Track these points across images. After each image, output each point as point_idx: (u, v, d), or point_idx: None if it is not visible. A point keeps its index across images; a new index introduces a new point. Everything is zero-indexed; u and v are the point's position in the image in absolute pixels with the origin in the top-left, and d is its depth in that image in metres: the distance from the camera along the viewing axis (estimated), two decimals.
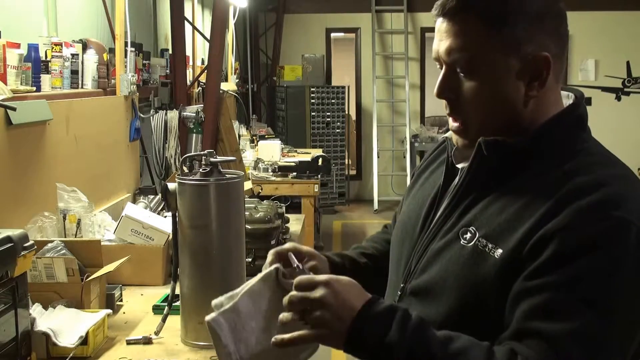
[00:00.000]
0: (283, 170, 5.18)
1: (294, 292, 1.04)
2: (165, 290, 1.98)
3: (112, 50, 3.21)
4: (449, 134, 1.26)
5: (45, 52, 2.51)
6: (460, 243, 1.11)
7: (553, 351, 0.96)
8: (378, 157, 9.00)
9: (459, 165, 1.22)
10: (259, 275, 1.16)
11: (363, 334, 1.01)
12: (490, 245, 1.07)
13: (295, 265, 1.14)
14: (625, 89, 9.28)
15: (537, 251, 1.01)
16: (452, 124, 1.17)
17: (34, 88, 2.36)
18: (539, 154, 1.11)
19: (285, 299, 1.04)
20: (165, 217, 2.51)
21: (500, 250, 1.05)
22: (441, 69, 1.15)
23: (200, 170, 1.73)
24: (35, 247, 1.60)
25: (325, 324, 1.02)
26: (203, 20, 6.38)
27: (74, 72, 2.71)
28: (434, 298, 1.13)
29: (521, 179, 1.11)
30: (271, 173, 5.15)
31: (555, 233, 1.00)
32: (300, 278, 1.05)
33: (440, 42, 1.14)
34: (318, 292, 1.02)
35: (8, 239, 1.47)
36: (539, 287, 0.99)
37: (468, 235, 1.11)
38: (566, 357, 0.95)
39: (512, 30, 1.08)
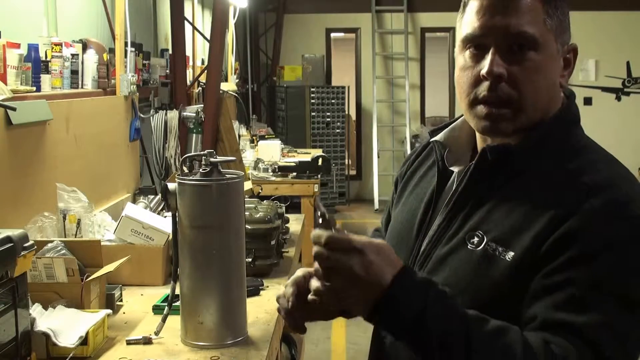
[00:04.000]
0: (283, 170, 5.18)
1: (321, 250, 0.97)
2: (165, 290, 1.98)
3: (112, 50, 3.21)
4: (439, 137, 1.24)
5: (45, 52, 2.51)
6: (467, 248, 1.10)
7: (582, 342, 0.96)
8: (378, 157, 9.00)
9: (454, 169, 1.21)
10: None
11: (393, 309, 0.96)
12: (500, 249, 1.06)
13: (320, 212, 1.02)
14: (626, 89, 9.28)
15: (557, 251, 1.01)
16: (490, 109, 1.10)
17: (34, 88, 2.36)
18: (541, 153, 1.11)
19: (315, 251, 0.98)
20: (165, 217, 2.51)
21: (511, 253, 1.05)
22: (475, 48, 1.11)
23: (200, 170, 1.73)
24: (35, 247, 1.60)
25: (350, 295, 0.97)
26: (203, 20, 6.38)
27: (74, 72, 2.71)
28: None
29: (524, 179, 1.11)
30: (271, 173, 5.15)
31: (575, 233, 1.01)
32: (336, 237, 0.96)
33: (495, 18, 1.09)
34: (350, 260, 0.95)
35: (8, 239, 1.46)
36: (562, 283, 1.00)
37: (476, 240, 1.10)
38: (595, 347, 0.96)
39: (561, 16, 1.12)
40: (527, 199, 1.08)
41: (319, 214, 1.03)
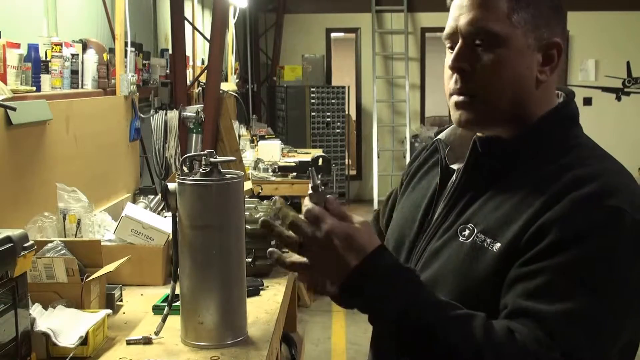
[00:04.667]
0: (283, 171, 5.18)
1: (300, 220, 0.99)
2: (165, 290, 1.98)
3: (112, 50, 3.21)
4: (442, 135, 1.27)
5: (45, 52, 2.51)
6: (459, 240, 1.13)
7: (547, 331, 0.96)
8: (378, 157, 9.00)
9: (454, 166, 1.23)
10: None
11: (361, 287, 0.98)
12: (488, 240, 1.08)
13: (313, 184, 1.03)
14: (626, 89, 9.28)
15: (535, 240, 1.02)
16: (458, 98, 1.15)
17: (34, 88, 2.36)
18: (534, 150, 1.13)
19: (287, 216, 1.00)
20: (165, 217, 2.51)
21: (498, 244, 1.07)
22: (452, 46, 1.16)
23: (201, 170, 1.73)
24: (35, 247, 1.60)
25: (322, 274, 0.99)
26: (203, 20, 6.38)
27: (74, 72, 2.71)
28: None
29: (516, 175, 1.12)
30: (271, 173, 5.15)
31: (552, 222, 1.02)
32: (313, 211, 0.98)
33: (461, 16, 1.14)
34: (321, 246, 0.97)
35: (8, 239, 1.46)
36: (534, 271, 1.01)
37: (466, 232, 1.12)
38: (562, 337, 0.96)
39: (534, 11, 1.12)
40: (517, 192, 1.09)
41: (311, 185, 1.04)
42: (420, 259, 1.19)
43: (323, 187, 1.05)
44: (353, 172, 9.57)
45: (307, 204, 1.00)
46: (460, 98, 1.15)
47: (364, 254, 0.98)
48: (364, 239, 0.99)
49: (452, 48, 1.16)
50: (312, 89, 8.49)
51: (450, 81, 1.17)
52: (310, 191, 1.03)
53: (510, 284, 1.03)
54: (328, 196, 1.03)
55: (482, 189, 1.15)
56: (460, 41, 1.14)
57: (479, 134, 1.18)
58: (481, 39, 1.12)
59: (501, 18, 1.11)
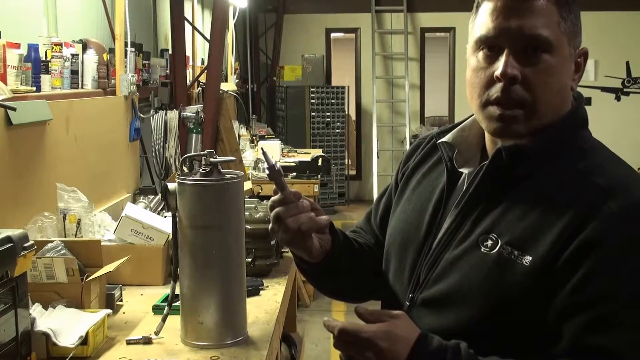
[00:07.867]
0: (283, 170, 5.18)
1: (336, 342, 1.06)
2: (165, 290, 1.98)
3: (112, 50, 3.21)
4: (447, 137, 1.23)
5: (45, 52, 2.51)
6: (481, 251, 1.09)
7: None
8: (378, 157, 9.00)
9: (464, 170, 1.20)
10: None
11: None
12: (516, 252, 1.05)
13: (269, 164, 1.15)
14: (625, 89, 9.29)
15: (578, 261, 1.01)
16: (502, 110, 1.09)
17: (34, 88, 2.36)
18: (551, 155, 1.11)
19: (333, 342, 1.08)
20: (165, 217, 2.51)
21: (529, 257, 1.04)
22: (486, 50, 1.11)
23: (200, 170, 1.73)
24: (35, 247, 1.60)
25: None
26: (203, 20, 6.38)
27: (74, 72, 2.71)
28: (452, 307, 1.11)
29: (535, 181, 1.10)
30: None
31: (593, 241, 1.00)
32: (346, 330, 1.05)
33: (509, 19, 1.08)
34: (363, 352, 1.04)
35: (8, 239, 1.46)
36: (590, 301, 0.99)
37: (489, 243, 1.09)
38: None
39: (573, 19, 1.11)
40: (541, 201, 1.07)
41: (267, 166, 1.13)
42: (433, 268, 1.16)
43: (279, 166, 1.16)
44: (353, 172, 9.57)
45: (329, 323, 1.07)
46: (506, 111, 1.09)
47: (410, 343, 1.03)
48: (405, 329, 1.05)
49: (490, 50, 1.10)
50: (312, 89, 8.50)
51: (487, 88, 1.11)
52: (267, 172, 1.14)
53: (565, 314, 1.01)
54: (294, 191, 1.14)
55: (499, 196, 1.11)
56: (508, 47, 1.08)
57: (501, 144, 1.14)
58: (533, 46, 1.08)
59: (553, 25, 1.08)
